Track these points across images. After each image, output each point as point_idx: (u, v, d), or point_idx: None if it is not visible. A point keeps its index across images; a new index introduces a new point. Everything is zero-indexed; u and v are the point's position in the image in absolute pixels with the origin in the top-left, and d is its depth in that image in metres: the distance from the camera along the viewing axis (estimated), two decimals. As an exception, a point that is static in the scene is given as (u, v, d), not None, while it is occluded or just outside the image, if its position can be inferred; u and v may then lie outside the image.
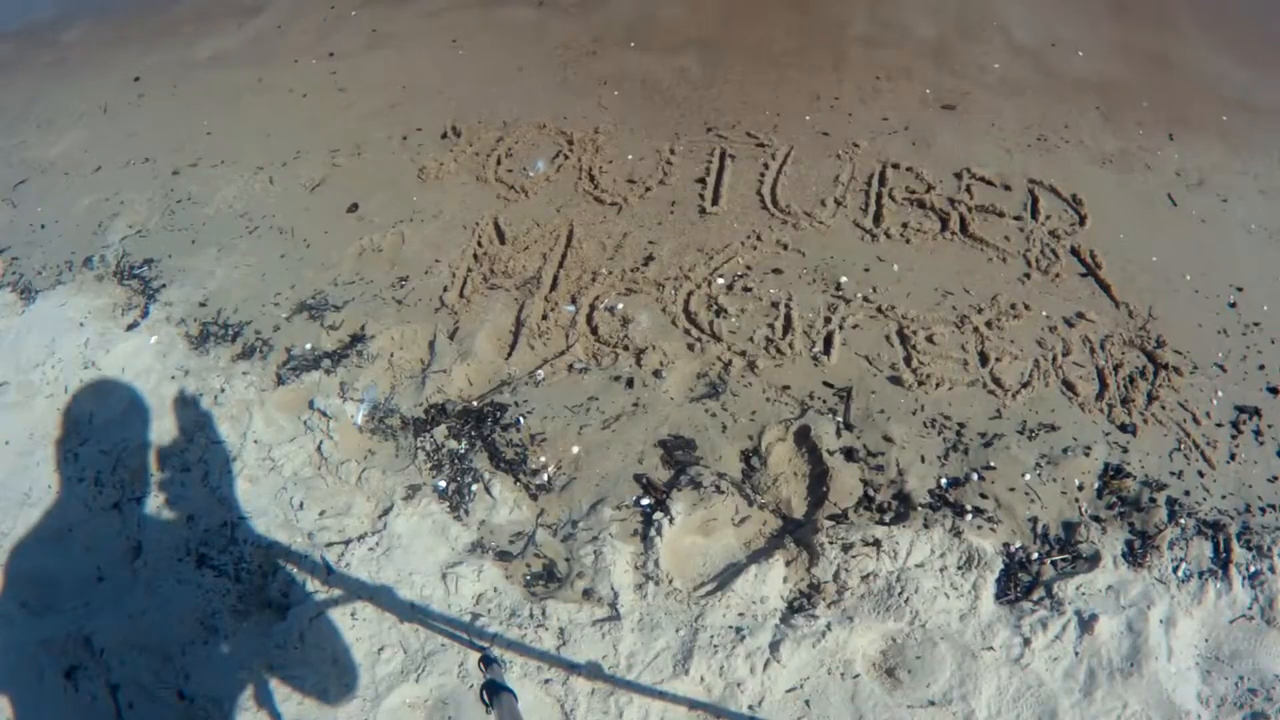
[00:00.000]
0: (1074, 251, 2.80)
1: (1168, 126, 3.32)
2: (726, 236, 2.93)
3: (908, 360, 2.50)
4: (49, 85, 4.70)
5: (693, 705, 1.89)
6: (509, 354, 2.66)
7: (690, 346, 2.60)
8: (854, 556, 2.06)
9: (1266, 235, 2.87)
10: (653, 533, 2.15)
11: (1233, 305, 2.63)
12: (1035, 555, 2.08)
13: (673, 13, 4.27)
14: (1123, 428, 2.32)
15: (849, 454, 2.28)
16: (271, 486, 2.43)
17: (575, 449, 2.39)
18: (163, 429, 2.63)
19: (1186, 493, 2.17)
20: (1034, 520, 2.13)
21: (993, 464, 2.23)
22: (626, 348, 2.61)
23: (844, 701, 1.88)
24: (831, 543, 2.08)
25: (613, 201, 3.13)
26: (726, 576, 2.09)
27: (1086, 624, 1.92)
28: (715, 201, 3.07)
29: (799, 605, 2.02)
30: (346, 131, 3.74)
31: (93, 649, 2.13)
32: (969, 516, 2.13)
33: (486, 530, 2.26)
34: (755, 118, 3.44)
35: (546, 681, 1.94)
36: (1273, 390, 2.40)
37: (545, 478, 2.35)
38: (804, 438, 2.33)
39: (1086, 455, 2.23)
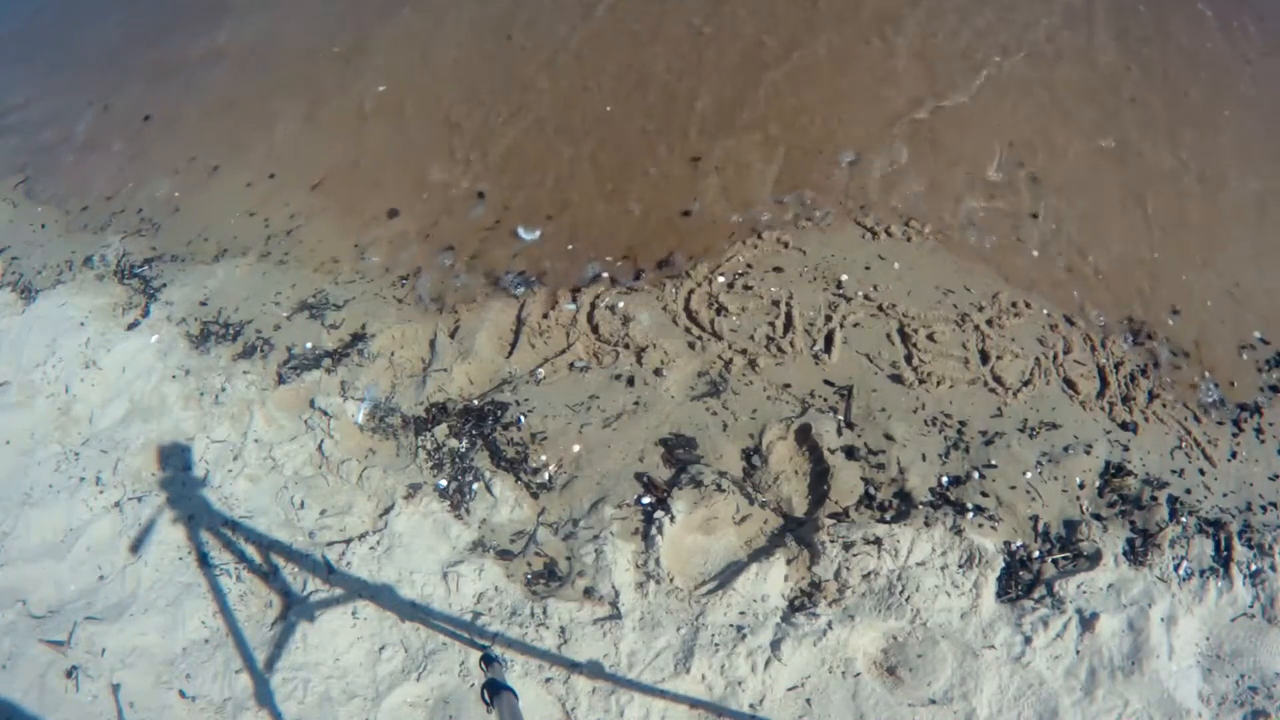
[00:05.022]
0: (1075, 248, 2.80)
1: (1168, 121, 3.31)
2: (727, 234, 2.92)
3: (908, 358, 2.50)
4: (53, 83, 4.71)
5: (694, 704, 1.89)
6: (510, 353, 2.66)
7: (691, 345, 2.59)
8: (855, 555, 2.05)
9: (1265, 232, 2.86)
10: (654, 531, 2.15)
11: (1234, 303, 2.62)
12: (1036, 553, 2.07)
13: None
14: (1124, 426, 2.31)
15: (850, 452, 2.28)
16: (272, 485, 2.43)
17: (576, 447, 2.39)
18: (163, 428, 2.63)
19: (1188, 491, 2.17)
20: (1035, 518, 2.13)
21: (994, 462, 2.23)
22: (627, 346, 2.61)
23: (845, 700, 1.88)
24: (832, 541, 2.08)
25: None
26: (727, 575, 2.09)
27: (1088, 622, 1.92)
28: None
29: (800, 604, 2.02)
30: (345, 131, 3.74)
31: (93, 648, 2.13)
32: (970, 515, 2.13)
33: (487, 529, 2.26)
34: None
35: (548, 680, 1.94)
36: (1274, 389, 2.40)
37: (546, 476, 2.34)
38: (805, 436, 2.33)
39: (1088, 453, 2.23)
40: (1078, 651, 1.90)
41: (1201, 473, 2.21)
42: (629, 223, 3.06)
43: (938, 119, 3.28)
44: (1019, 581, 2.03)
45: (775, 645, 1.93)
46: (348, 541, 2.25)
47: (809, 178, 3.09)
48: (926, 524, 2.10)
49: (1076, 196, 2.98)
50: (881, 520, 2.14)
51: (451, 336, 2.72)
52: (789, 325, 2.61)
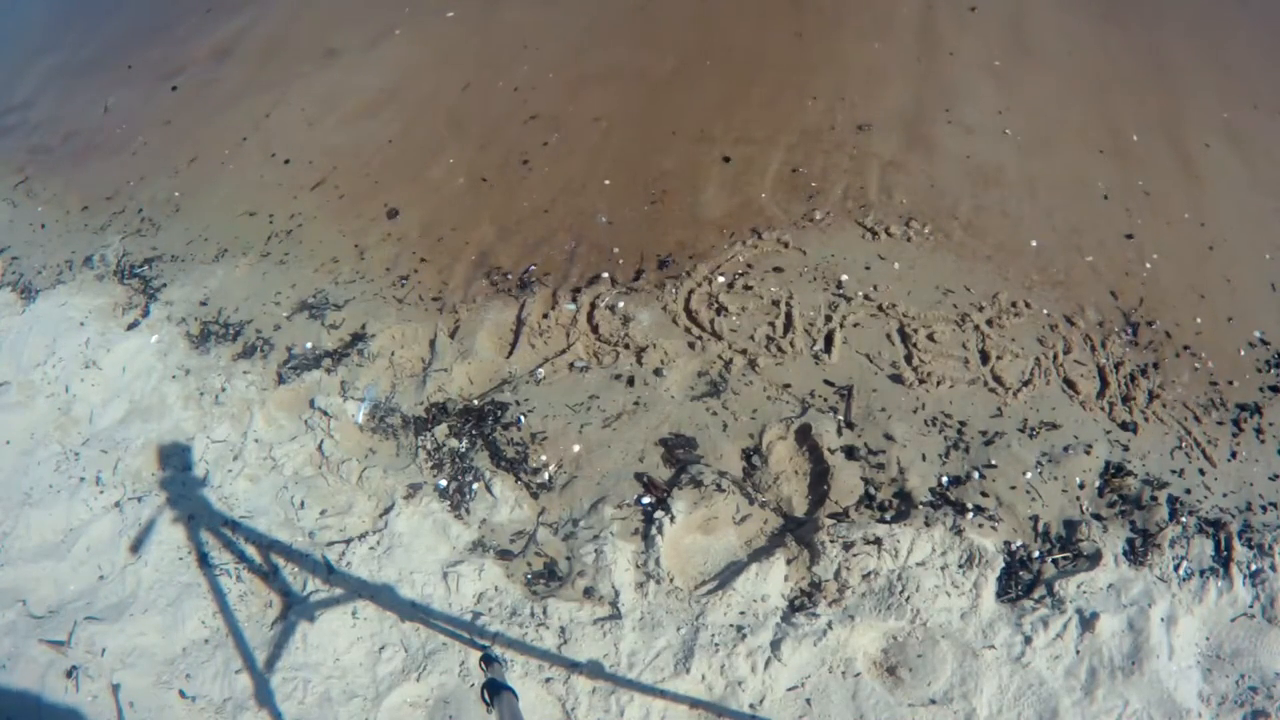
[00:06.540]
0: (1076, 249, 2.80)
1: (1165, 123, 3.31)
2: (727, 234, 2.93)
3: (909, 358, 2.50)
4: (55, 84, 4.71)
5: (694, 704, 1.89)
6: (510, 352, 2.66)
7: (691, 345, 2.59)
8: (855, 555, 2.05)
9: (1260, 230, 2.86)
10: (654, 531, 2.15)
11: (1233, 302, 2.62)
12: (1036, 553, 2.07)
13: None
14: (1124, 426, 2.31)
15: (850, 452, 2.28)
16: (272, 485, 2.42)
17: (576, 447, 2.39)
18: (163, 428, 2.63)
19: (1188, 491, 2.17)
20: (1035, 518, 2.13)
21: (994, 462, 2.23)
22: (627, 346, 2.61)
23: (845, 700, 1.88)
24: (832, 541, 2.08)
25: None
26: (727, 575, 2.09)
27: (1088, 622, 1.92)
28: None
29: (800, 604, 2.02)
30: (346, 132, 3.74)
31: (93, 648, 2.13)
32: (970, 515, 2.13)
33: (487, 529, 2.26)
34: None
35: (548, 680, 1.94)
36: (1274, 389, 2.40)
37: (546, 476, 2.34)
38: (805, 436, 2.33)
39: (1088, 453, 2.23)
40: (1078, 651, 1.90)
41: (1201, 473, 2.21)
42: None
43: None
44: (1019, 581, 2.03)
45: (775, 645, 1.93)
46: (348, 541, 2.25)
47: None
48: (926, 524, 2.10)
49: (1073, 193, 2.98)
50: (881, 520, 2.14)
51: (451, 336, 2.72)
52: (789, 325, 2.61)
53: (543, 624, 2.02)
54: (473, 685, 1.96)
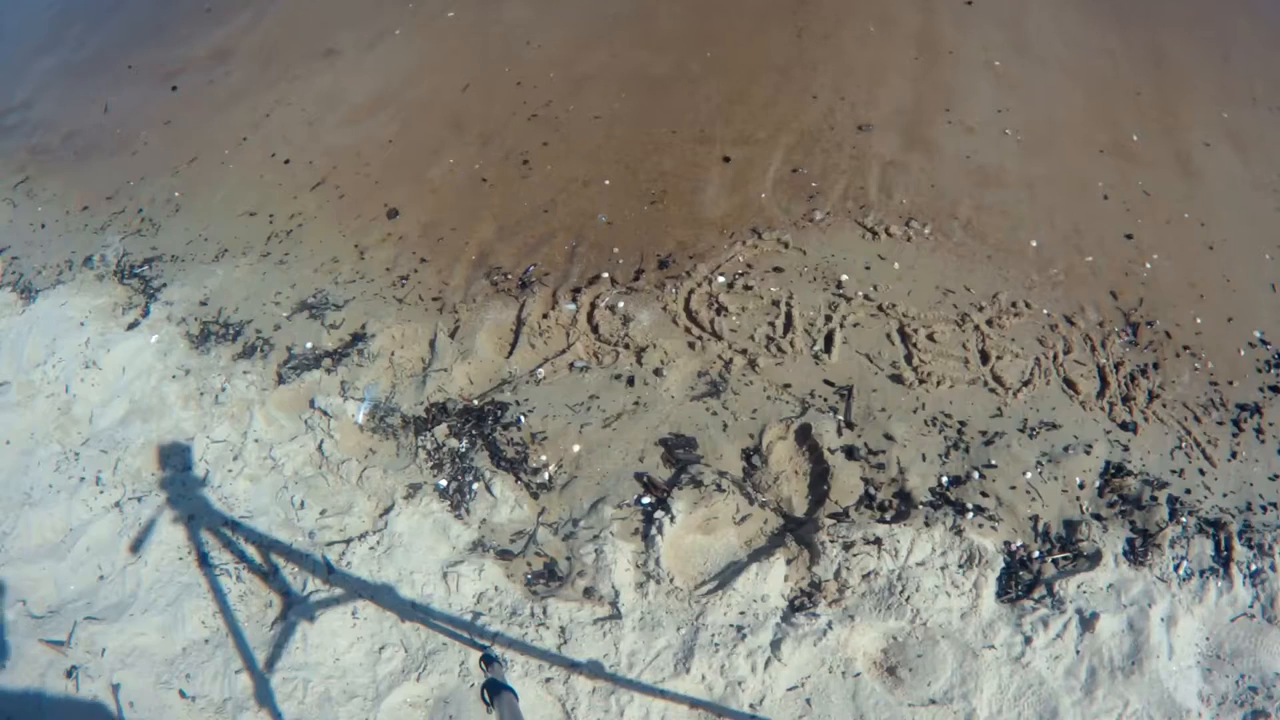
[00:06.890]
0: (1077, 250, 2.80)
1: (1165, 122, 3.31)
2: (727, 234, 2.92)
3: (909, 358, 2.50)
4: (55, 84, 4.70)
5: (694, 704, 1.89)
6: (510, 352, 2.66)
7: (691, 345, 2.59)
8: (855, 555, 2.05)
9: (1260, 230, 2.86)
10: (654, 531, 2.15)
11: (1233, 302, 2.62)
12: (1036, 553, 2.07)
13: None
14: (1124, 426, 2.31)
15: (850, 452, 2.28)
16: (272, 485, 2.43)
17: (576, 447, 2.39)
18: (163, 428, 2.63)
19: (1188, 491, 2.17)
20: (1035, 518, 2.13)
21: (994, 462, 2.23)
22: (627, 346, 2.61)
23: (845, 700, 1.88)
24: (832, 541, 2.08)
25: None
26: (727, 575, 2.09)
27: (1088, 622, 1.92)
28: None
29: (800, 604, 2.02)
30: (345, 132, 3.74)
31: (93, 648, 2.13)
32: (970, 515, 2.13)
33: (487, 529, 2.26)
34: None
35: (548, 680, 1.94)
36: (1274, 389, 2.40)
37: (546, 476, 2.34)
38: (805, 436, 2.33)
39: (1088, 453, 2.23)
40: (1078, 651, 1.90)
41: (1201, 473, 2.21)
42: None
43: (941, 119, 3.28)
44: (1019, 581, 2.03)
45: (775, 645, 1.93)
46: (348, 541, 2.25)
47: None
48: (926, 524, 2.10)
49: (1074, 194, 2.98)
50: (881, 520, 2.14)
51: (451, 336, 2.72)
52: (789, 325, 2.61)
53: (543, 624, 2.02)
54: (473, 685, 1.96)
